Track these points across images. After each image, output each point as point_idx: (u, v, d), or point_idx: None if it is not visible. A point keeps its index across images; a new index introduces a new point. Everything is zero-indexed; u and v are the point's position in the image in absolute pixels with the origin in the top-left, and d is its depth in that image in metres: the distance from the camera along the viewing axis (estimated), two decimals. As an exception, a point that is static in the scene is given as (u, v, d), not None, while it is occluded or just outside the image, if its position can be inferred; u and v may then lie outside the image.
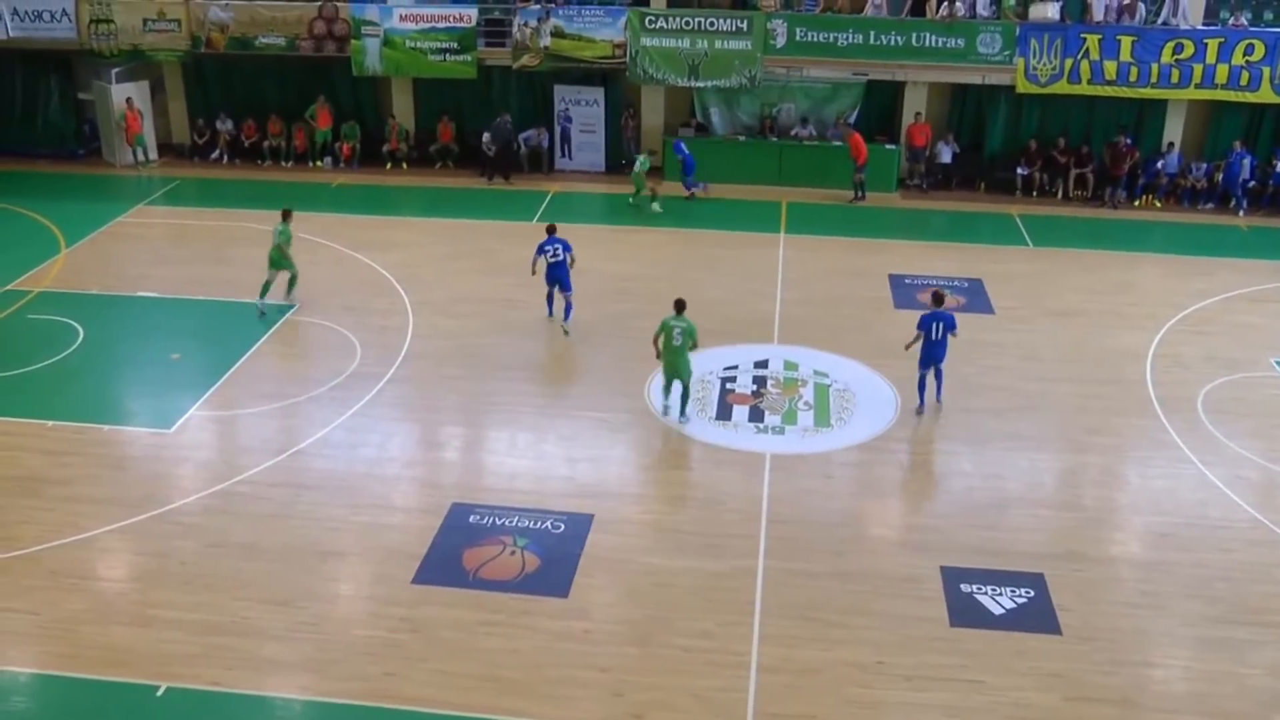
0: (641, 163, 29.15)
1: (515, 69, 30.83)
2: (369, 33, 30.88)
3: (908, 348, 19.73)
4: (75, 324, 23.21)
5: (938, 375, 19.75)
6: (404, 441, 18.92)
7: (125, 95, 32.92)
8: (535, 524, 16.56)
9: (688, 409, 19.43)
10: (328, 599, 15.27)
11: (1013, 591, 15.30)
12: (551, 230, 22.79)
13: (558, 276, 22.33)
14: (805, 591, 15.27)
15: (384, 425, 19.24)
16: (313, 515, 16.87)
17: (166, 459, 18.62)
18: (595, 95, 31.43)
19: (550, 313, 22.87)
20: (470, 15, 30.52)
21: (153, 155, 33.52)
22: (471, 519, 16.71)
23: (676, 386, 19.45)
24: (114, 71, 33.15)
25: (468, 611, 14.85)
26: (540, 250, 22.36)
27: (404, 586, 15.36)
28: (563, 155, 31.82)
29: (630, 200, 29.37)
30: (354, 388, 20.35)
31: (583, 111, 31.61)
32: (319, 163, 32.50)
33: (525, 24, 30.25)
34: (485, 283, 24.41)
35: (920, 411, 19.64)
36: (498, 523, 16.60)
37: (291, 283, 23.55)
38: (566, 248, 22.30)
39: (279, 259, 23.12)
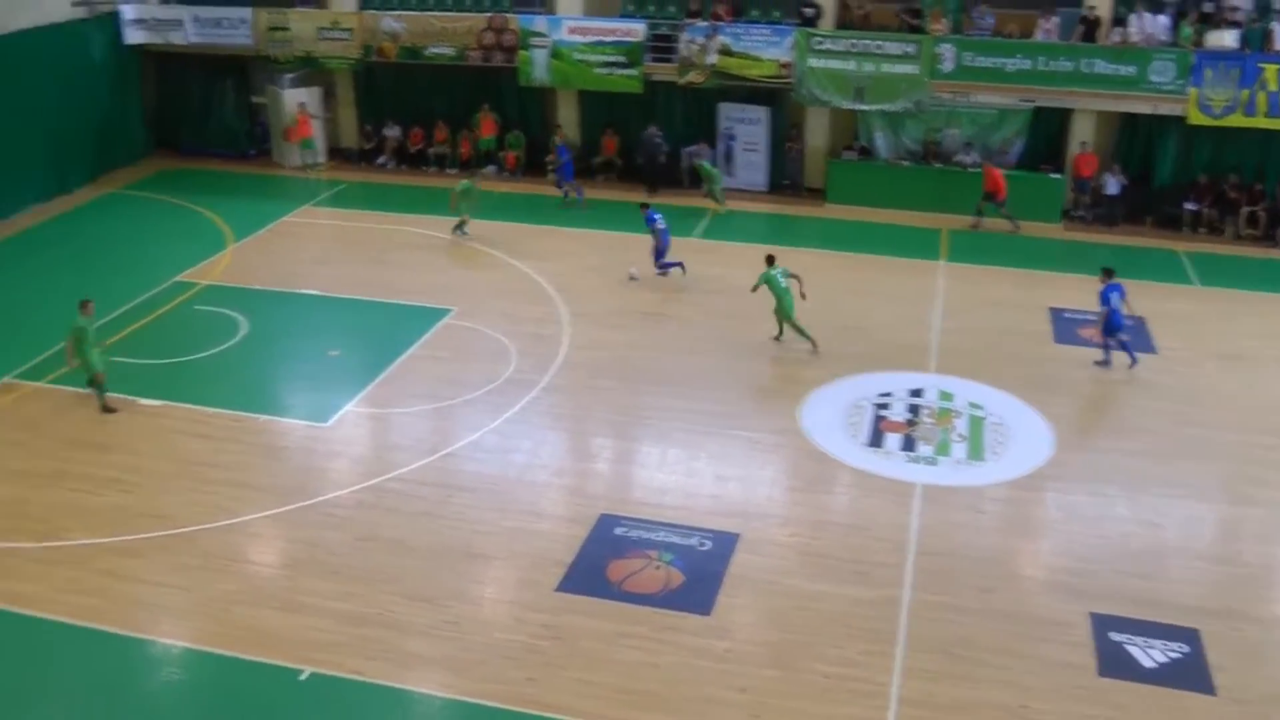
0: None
1: (681, 85, 31.05)
2: (537, 44, 31.40)
3: (1099, 321, 21.88)
4: (239, 317, 24.05)
5: (1124, 345, 21.96)
6: (555, 450, 19.16)
7: (298, 100, 34.02)
8: (682, 540, 16.63)
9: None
10: (472, 600, 15.53)
11: (1165, 645, 14.83)
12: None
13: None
14: (951, 627, 15.07)
15: (536, 432, 19.51)
16: (462, 516, 17.19)
17: (321, 452, 19.17)
18: (760, 114, 31.49)
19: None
20: (638, 30, 30.83)
21: (321, 158, 34.55)
22: (618, 531, 16.85)
23: None
24: (287, 77, 34.30)
25: (610, 623, 14.98)
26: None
27: (548, 593, 15.55)
28: (725, 173, 31.92)
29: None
30: (508, 394, 20.68)
31: (747, 130, 31.68)
32: (483, 170, 33.02)
33: (693, 41, 30.45)
34: (641, 296, 24.60)
35: (1133, 362, 21.90)
36: (644, 536, 16.71)
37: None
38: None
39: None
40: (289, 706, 13.84)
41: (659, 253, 25.65)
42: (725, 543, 16.59)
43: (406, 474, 18.30)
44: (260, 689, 14.07)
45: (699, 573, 15.97)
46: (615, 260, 26.24)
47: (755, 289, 22.58)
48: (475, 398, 20.60)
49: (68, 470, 18.79)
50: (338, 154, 35.11)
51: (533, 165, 32.99)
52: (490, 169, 32.97)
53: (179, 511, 17.51)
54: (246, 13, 33.75)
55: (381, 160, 34.28)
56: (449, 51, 32.26)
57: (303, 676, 14.15)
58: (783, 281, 22.23)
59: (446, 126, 33.69)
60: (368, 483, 18.12)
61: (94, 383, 20.61)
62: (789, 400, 20.52)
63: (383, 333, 23.14)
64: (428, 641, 14.70)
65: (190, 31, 34.28)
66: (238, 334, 23.40)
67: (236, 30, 33.92)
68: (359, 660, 14.37)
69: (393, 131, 34.17)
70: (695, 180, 31.47)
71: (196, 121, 36.19)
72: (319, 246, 28.30)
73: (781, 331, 22.80)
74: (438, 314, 23.90)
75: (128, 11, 34.46)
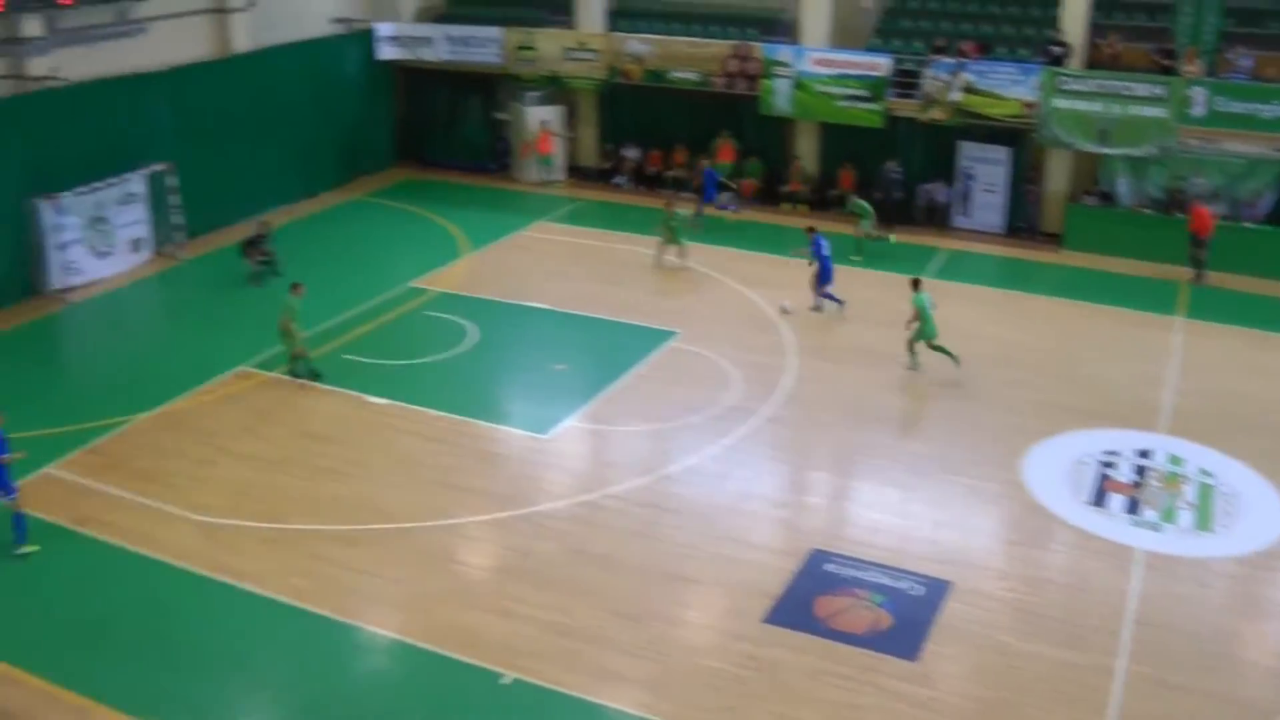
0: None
1: (923, 121, 30.68)
2: (780, 74, 31.44)
3: None
4: (468, 325, 24.70)
5: None
6: (771, 480, 19.06)
7: (540, 118, 34.82)
8: (892, 582, 16.34)
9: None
10: (677, 623, 15.55)
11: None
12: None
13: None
14: (1167, 704, 14.33)
15: (753, 461, 19.45)
16: (673, 539, 17.24)
17: (539, 463, 19.50)
18: (1000, 155, 30.84)
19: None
20: (883, 64, 30.59)
21: (560, 175, 35.27)
22: (829, 567, 16.65)
23: None
24: (532, 95, 35.16)
25: (814, 659, 14.80)
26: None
27: (754, 623, 15.45)
28: (961, 213, 31.36)
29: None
30: (728, 420, 20.68)
31: (986, 170, 31.07)
32: (719, 196, 33.21)
33: (937, 77, 30.06)
34: (868, 332, 24.31)
35: None
36: (855, 575, 16.47)
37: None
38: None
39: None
40: (488, 709, 14.05)
41: (821, 279, 25.48)
42: (937, 590, 16.24)
43: (621, 492, 18.46)
44: (461, 688, 14.35)
45: (908, 617, 15.67)
46: (849, 294, 26.00)
47: (914, 318, 22.66)
48: (695, 422, 20.66)
49: (292, 458, 19.60)
50: (576, 172, 35.78)
51: (768, 194, 33.00)
52: (725, 196, 33.11)
53: (396, 507, 18.05)
54: (496, 32, 34.76)
55: (618, 180, 34.80)
56: (693, 76, 32.58)
57: (504, 680, 14.38)
58: (930, 308, 22.53)
59: (685, 151, 34.01)
60: (582, 497, 18.35)
61: (296, 356, 22.16)
62: (1011, 450, 19.97)
63: (608, 351, 23.43)
64: (630, 660, 14.77)
65: (441, 49, 35.51)
66: (466, 341, 24.02)
67: (485, 48, 34.96)
68: (560, 671, 14.52)
69: (631, 153, 34.66)
70: (930, 217, 31.01)
71: (442, 135, 37.45)
72: (551, 261, 28.80)
73: (914, 358, 22.83)
74: (664, 336, 24.09)
75: (382, 29, 35.99)
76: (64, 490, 18.80)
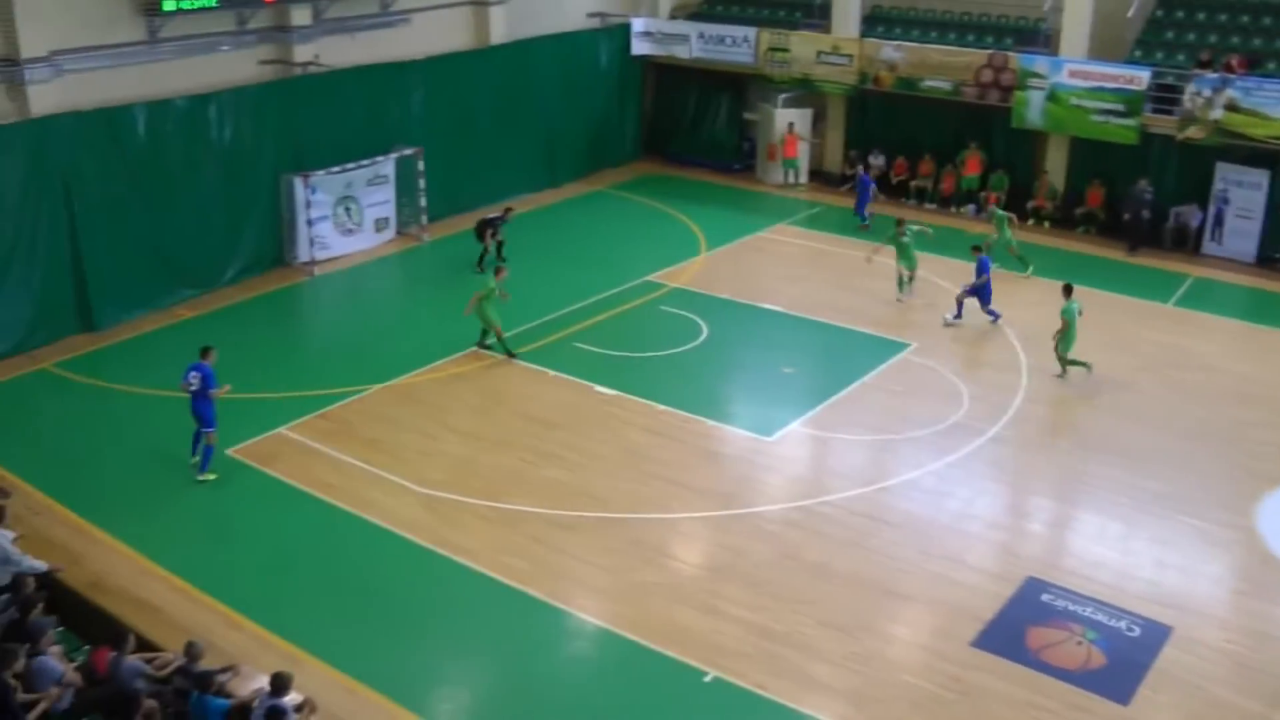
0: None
1: (1179, 140, 29.48)
2: (1035, 85, 30.68)
3: None
4: (701, 322, 24.92)
5: None
6: (991, 502, 18.68)
7: (788, 120, 34.81)
8: (1109, 620, 15.79)
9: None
10: (885, 638, 15.40)
11: None
12: None
13: None
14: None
15: (975, 481, 19.11)
16: (887, 552, 17.08)
17: (759, 464, 19.56)
18: (1259, 179, 29.24)
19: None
20: (1142, 78, 29.47)
21: (802, 179, 35.19)
22: (1044, 597, 16.22)
23: None
24: (781, 97, 35.17)
25: (1021, 689, 14.45)
26: None
27: (962, 646, 15.19)
28: (1212, 239, 29.99)
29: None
30: (954, 437, 20.37)
31: (1242, 194, 29.54)
32: (962, 209, 32.69)
33: (1199, 93, 28.80)
34: (1106, 358, 23.42)
35: None
36: (1070, 608, 15.99)
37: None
38: None
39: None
40: (689, 705, 14.19)
41: (983, 299, 24.84)
42: (1155, 633, 15.60)
43: (839, 500, 18.37)
44: (664, 681, 14.52)
45: (1122, 659, 15.12)
46: (1090, 317, 25.18)
47: (1063, 328, 22.52)
48: (920, 436, 20.41)
49: (515, 440, 20.14)
50: (819, 176, 35.62)
51: (1013, 208, 31.99)
52: (969, 209, 32.53)
53: (614, 497, 18.38)
54: (750, 32, 34.91)
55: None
56: (944, 85, 32.12)
57: (707, 679, 14.49)
58: (1076, 317, 22.48)
59: (932, 161, 33.54)
60: (800, 502, 18.33)
61: (492, 335, 23.07)
62: (1247, 494, 18.98)
63: (839, 358, 23.31)
64: (834, 670, 14.70)
65: (694, 46, 35.84)
66: (698, 338, 24.24)
67: (738, 48, 35.12)
68: (764, 675, 14.55)
69: (877, 160, 34.32)
70: (1179, 242, 29.84)
71: (688, 132, 37.83)
72: (788, 265, 28.80)
73: (1065, 370, 22.60)
74: (896, 347, 23.85)
75: (638, 24, 36.57)
76: (294, 450, 19.81)
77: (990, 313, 24.90)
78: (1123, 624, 15.74)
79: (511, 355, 23.13)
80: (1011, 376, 22.69)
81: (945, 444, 20.13)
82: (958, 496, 18.62)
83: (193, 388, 18.65)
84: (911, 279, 26.59)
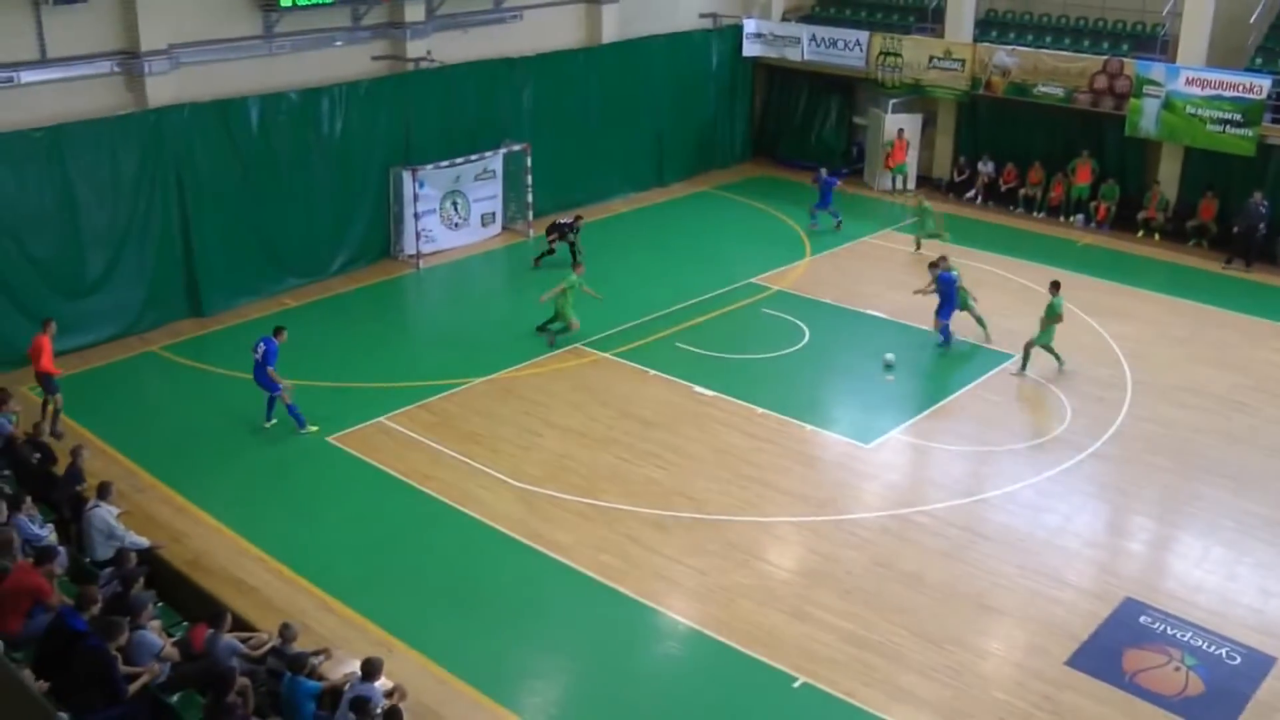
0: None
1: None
2: (1150, 93, 30.12)
3: None
4: (803, 326, 24.88)
5: None
6: (1091, 519, 18.38)
7: (898, 125, 34.59)
8: (1209, 646, 15.45)
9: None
10: (977, 652, 15.25)
11: None
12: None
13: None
14: None
15: (1075, 497, 18.83)
16: (982, 565, 16.92)
17: (857, 471, 19.49)
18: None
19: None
20: (1262, 86, 28.71)
21: (910, 185, 34.94)
22: (1142, 619, 15.94)
23: None
24: (891, 102, 34.90)
25: (1114, 712, 14.22)
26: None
27: (1055, 664, 14.99)
28: (1316, 261, 29.21)
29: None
30: (1054, 451, 20.10)
31: (1363, 211, 28.78)
32: (1071, 219, 32.24)
33: (1323, 104, 28.07)
34: (1215, 376, 23.07)
35: None
36: (1169, 632, 15.69)
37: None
38: None
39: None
40: (777, 710, 14.16)
41: (942, 313, 24.17)
42: (1258, 663, 15.22)
43: (935, 510, 18.24)
44: (752, 685, 14.52)
45: (1222, 688, 14.77)
46: (1200, 334, 24.82)
47: (1050, 319, 22.67)
48: (1020, 449, 20.19)
49: (614, 438, 20.26)
50: (927, 183, 35.36)
51: (1123, 219, 31.70)
52: (1078, 218, 32.06)
53: (710, 498, 18.42)
54: (863, 36, 34.74)
55: (970, 195, 34.16)
56: (1057, 92, 31.68)
57: (795, 685, 14.47)
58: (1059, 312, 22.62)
59: (1042, 169, 33.08)
60: (895, 510, 18.23)
61: (566, 329, 23.58)
62: (1365, 525, 18.53)
63: (940, 366, 23.11)
64: (925, 681, 14.60)
65: (806, 49, 35.77)
66: (799, 342, 24.21)
67: (850, 52, 34.97)
68: (853, 683, 14.50)
69: (986, 167, 33.97)
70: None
71: (797, 134, 37.78)
72: (892, 271, 28.60)
73: (1026, 365, 22.89)
74: (999, 358, 23.59)
75: (749, 26, 36.58)
76: (393, 441, 20.11)
77: (943, 331, 24.11)
78: (1223, 651, 15.40)
79: (551, 347, 23.80)
80: (1116, 392, 22.32)
81: (1045, 458, 19.87)
82: (1057, 512, 18.36)
83: (256, 356, 20.11)
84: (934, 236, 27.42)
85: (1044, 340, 22.74)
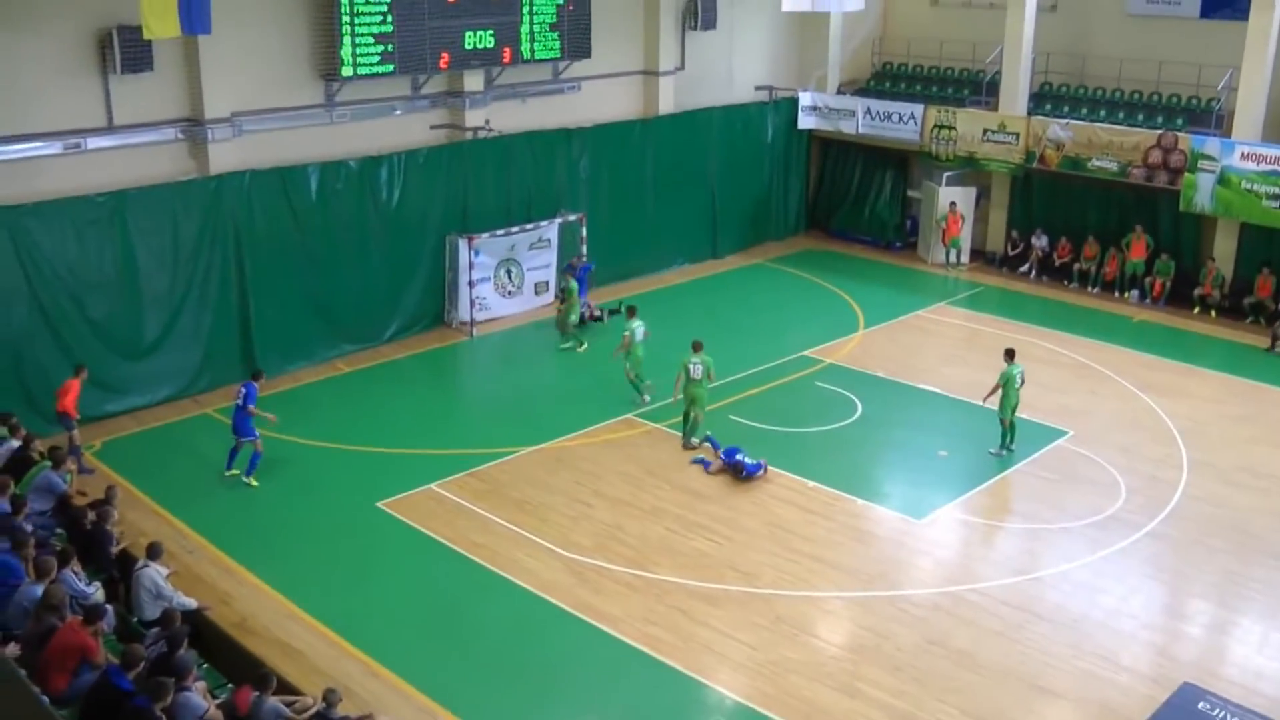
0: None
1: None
2: (1205, 168, 29.88)
3: None
4: (855, 399, 24.71)
5: None
6: (1148, 601, 17.99)
7: (951, 198, 34.51)
8: (1273, 732, 15.10)
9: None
10: (1030, 732, 14.95)
11: None
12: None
13: None
14: None
15: (1131, 578, 18.46)
16: (1036, 645, 16.60)
17: (909, 546, 19.26)
18: None
19: None
20: (1320, 160, 28.47)
21: (964, 259, 34.79)
22: (1201, 705, 15.48)
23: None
24: (945, 175, 34.85)
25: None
26: None
27: (1113, 747, 14.69)
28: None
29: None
30: (1110, 530, 19.77)
31: None
32: (1125, 295, 31.96)
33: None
34: (1274, 456, 22.62)
35: None
36: (1229, 719, 15.34)
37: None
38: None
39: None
40: (825, 789, 13.94)
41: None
42: (1323, 752, 14.87)
43: (988, 588, 17.95)
44: (800, 763, 14.30)
45: (1287, 776, 14.44)
46: (1258, 413, 24.42)
47: (995, 390, 22.36)
48: (1074, 527, 19.87)
49: (664, 509, 20.15)
50: (980, 256, 35.22)
51: (1178, 295, 31.36)
52: (1133, 294, 31.77)
53: (760, 571, 18.23)
54: (917, 109, 34.80)
55: (1024, 269, 33.95)
56: (1112, 166, 31.53)
57: (844, 763, 14.25)
58: (1019, 382, 22.24)
59: (1096, 243, 32.85)
60: (947, 588, 17.97)
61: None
62: None
63: (993, 442, 22.80)
64: (975, 763, 14.33)
65: (861, 122, 35.85)
66: (852, 416, 24.05)
67: (905, 125, 35.03)
68: (902, 762, 14.26)
69: (1040, 241, 33.79)
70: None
71: (851, 207, 37.78)
72: (946, 345, 28.47)
73: (1007, 441, 22.49)
74: (1053, 434, 23.33)
75: (805, 99, 36.73)
76: (443, 507, 20.10)
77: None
78: (1288, 738, 15.03)
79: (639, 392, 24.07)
80: (1172, 470, 21.96)
81: (1100, 537, 19.55)
82: (1112, 592, 18.01)
83: (237, 401, 20.71)
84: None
85: (1005, 413, 22.39)
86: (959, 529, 20.00)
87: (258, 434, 20.72)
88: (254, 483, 20.70)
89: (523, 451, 22.23)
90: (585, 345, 27.36)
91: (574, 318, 27.85)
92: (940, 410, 24.53)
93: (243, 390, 20.68)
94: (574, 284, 28.07)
